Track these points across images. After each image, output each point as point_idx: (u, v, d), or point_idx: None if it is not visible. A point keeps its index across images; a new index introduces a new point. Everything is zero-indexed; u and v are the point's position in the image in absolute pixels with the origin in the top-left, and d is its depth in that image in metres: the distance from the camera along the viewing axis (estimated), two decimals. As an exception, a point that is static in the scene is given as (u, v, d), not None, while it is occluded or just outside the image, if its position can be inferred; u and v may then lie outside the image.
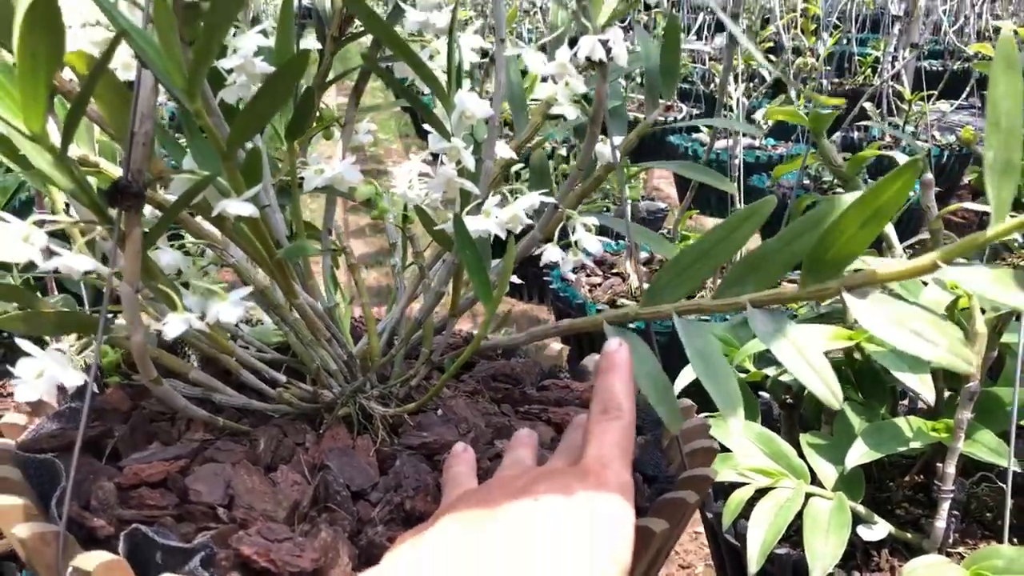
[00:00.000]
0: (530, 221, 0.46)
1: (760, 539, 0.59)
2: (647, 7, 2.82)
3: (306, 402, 0.50)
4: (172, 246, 0.45)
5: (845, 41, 2.89)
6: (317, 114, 0.50)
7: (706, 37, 3.27)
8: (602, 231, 0.49)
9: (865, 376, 0.69)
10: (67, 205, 0.50)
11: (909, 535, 0.62)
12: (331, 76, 0.49)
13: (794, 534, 0.62)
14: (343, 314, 0.53)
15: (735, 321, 0.78)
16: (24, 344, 0.38)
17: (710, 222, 2.22)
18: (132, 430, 0.48)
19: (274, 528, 0.39)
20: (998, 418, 0.61)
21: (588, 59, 0.42)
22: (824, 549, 0.57)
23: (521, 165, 0.75)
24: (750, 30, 2.38)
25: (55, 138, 0.35)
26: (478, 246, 0.42)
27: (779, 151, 2.29)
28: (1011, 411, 0.56)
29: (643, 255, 1.43)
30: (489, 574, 0.30)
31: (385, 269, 2.10)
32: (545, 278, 1.43)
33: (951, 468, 0.58)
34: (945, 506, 0.59)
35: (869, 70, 2.87)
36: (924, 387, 0.60)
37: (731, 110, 1.60)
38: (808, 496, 0.61)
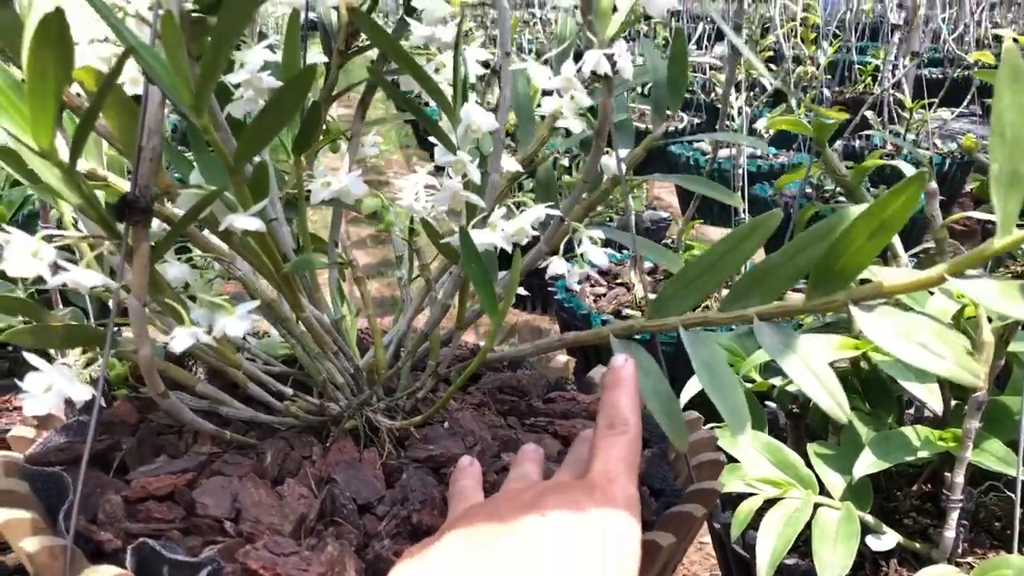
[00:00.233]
0: (536, 233, 0.46)
1: (770, 549, 0.58)
2: (647, 17, 2.83)
3: (313, 415, 0.50)
4: (179, 259, 0.45)
5: (845, 50, 2.89)
6: (324, 127, 0.50)
7: (706, 47, 3.29)
8: (606, 241, 0.49)
9: (872, 385, 0.68)
10: (75, 219, 0.50)
11: (918, 545, 0.62)
12: (337, 90, 0.50)
13: (802, 544, 0.62)
14: (349, 327, 0.53)
15: (741, 331, 0.78)
16: (32, 358, 0.38)
17: (713, 232, 2.22)
18: (139, 443, 0.48)
19: (280, 542, 0.38)
20: (1006, 427, 0.61)
21: (593, 72, 0.43)
22: (833, 559, 0.56)
23: (525, 176, 0.75)
24: (750, 39, 2.39)
25: (64, 153, 0.36)
26: (484, 259, 0.42)
27: (781, 160, 2.29)
28: (1019, 420, 0.56)
29: (647, 264, 1.43)
30: None
31: (387, 280, 2.10)
32: (549, 288, 1.42)
33: (959, 477, 0.58)
34: (954, 516, 0.59)
35: (869, 78, 2.88)
36: (931, 396, 0.60)
37: (734, 120, 1.60)
38: (816, 506, 0.61)
